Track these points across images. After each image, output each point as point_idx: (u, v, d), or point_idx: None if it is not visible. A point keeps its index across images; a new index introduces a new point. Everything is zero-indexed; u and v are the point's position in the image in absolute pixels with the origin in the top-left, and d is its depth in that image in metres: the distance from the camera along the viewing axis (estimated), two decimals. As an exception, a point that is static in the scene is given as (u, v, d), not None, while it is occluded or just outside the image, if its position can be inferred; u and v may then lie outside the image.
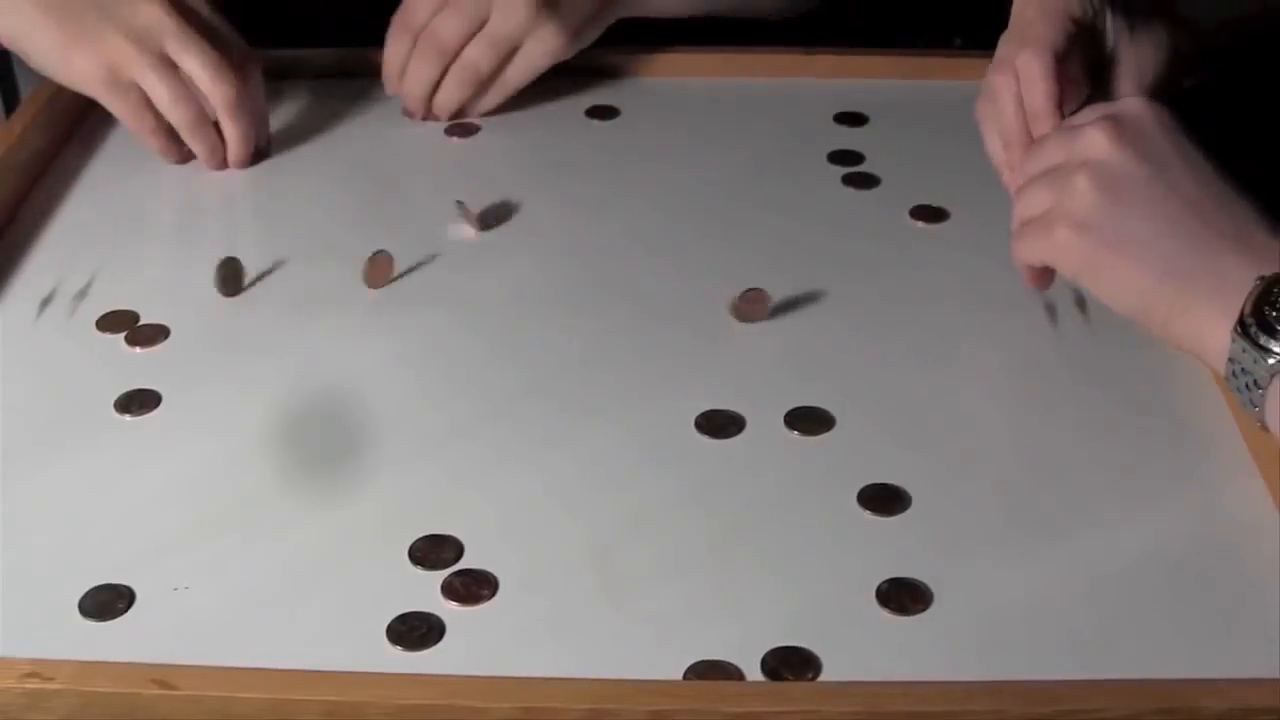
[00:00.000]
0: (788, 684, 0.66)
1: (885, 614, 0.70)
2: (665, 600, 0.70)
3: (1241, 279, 0.70)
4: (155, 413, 0.82)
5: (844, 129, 1.09)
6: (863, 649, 0.68)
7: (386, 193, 1.03)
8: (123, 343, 0.88)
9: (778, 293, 0.90)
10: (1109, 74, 0.88)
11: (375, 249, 0.92)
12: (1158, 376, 0.83)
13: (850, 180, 1.03)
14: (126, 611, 0.70)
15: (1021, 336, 0.87)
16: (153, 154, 1.03)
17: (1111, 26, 0.87)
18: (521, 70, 1.08)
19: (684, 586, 0.71)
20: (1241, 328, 0.69)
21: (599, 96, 1.13)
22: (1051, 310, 0.89)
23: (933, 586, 0.71)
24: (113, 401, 0.83)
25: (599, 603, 0.70)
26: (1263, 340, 0.68)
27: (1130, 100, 0.79)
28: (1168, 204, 0.74)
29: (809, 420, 0.81)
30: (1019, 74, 0.84)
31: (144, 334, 0.88)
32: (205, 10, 1.02)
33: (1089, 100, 0.86)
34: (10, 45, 1.02)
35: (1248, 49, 1.14)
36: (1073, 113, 0.84)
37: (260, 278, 0.93)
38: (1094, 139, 0.76)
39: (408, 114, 1.09)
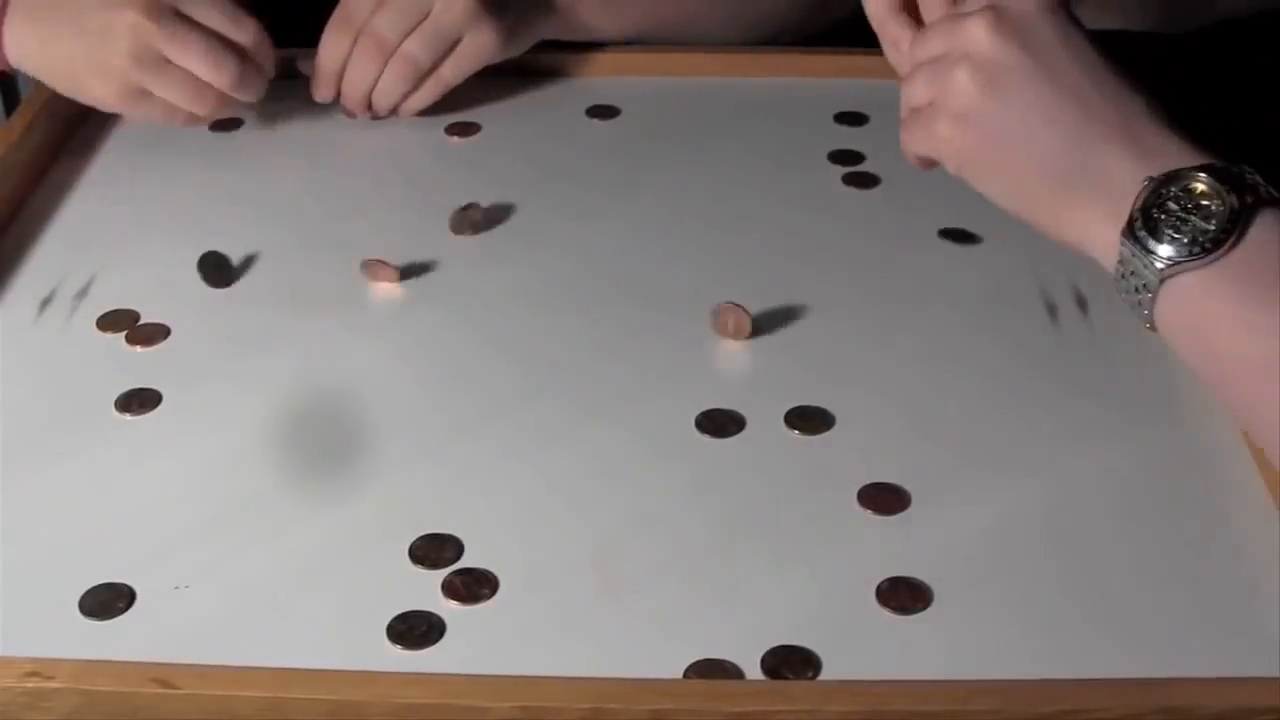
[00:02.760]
0: (788, 683, 0.66)
1: (885, 613, 0.70)
2: (665, 599, 0.70)
3: (1130, 179, 0.68)
4: (155, 412, 0.82)
5: (844, 129, 1.09)
6: (863, 648, 0.68)
7: (387, 192, 1.03)
8: (123, 342, 0.88)
9: (778, 292, 0.90)
10: None
11: (377, 249, 0.93)
12: (1158, 376, 0.83)
13: (850, 180, 1.03)
14: (127, 611, 0.70)
15: (1021, 336, 0.87)
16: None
17: None
18: (457, 66, 1.08)
19: (684, 585, 0.71)
20: (1131, 230, 0.67)
21: (599, 96, 1.13)
22: (1052, 310, 0.89)
23: (933, 586, 0.71)
24: (113, 401, 0.83)
25: (599, 602, 0.70)
26: (1151, 244, 0.66)
27: None
28: (1052, 98, 0.71)
29: (809, 420, 0.81)
30: None
31: (144, 333, 0.88)
32: None
33: None
34: (29, 73, 1.05)
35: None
36: None
37: (259, 276, 0.93)
38: (975, 30, 0.73)
39: (348, 113, 1.09)
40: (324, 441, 0.81)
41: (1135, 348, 0.85)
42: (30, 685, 0.63)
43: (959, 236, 0.96)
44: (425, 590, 0.71)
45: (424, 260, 0.94)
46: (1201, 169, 0.67)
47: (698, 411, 0.81)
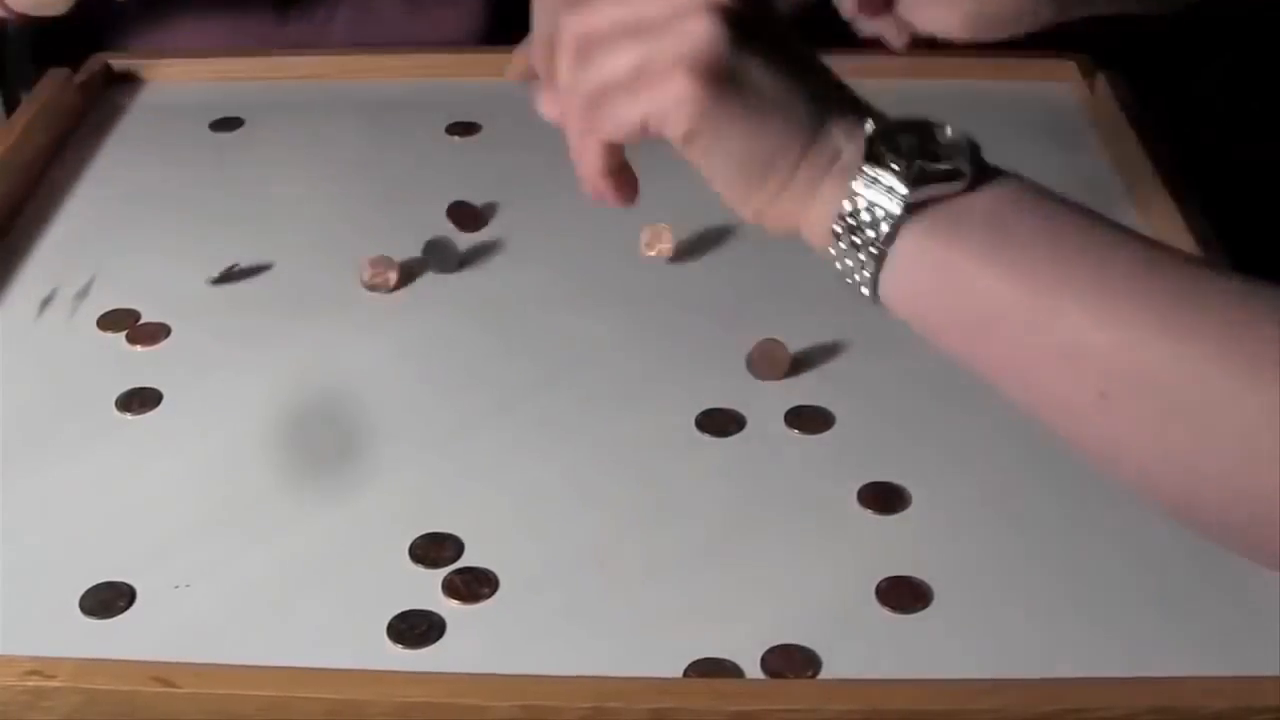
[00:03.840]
0: (788, 682, 0.66)
1: (885, 612, 0.70)
2: (666, 598, 0.70)
3: (857, 132, 0.63)
4: (156, 411, 0.82)
5: (844, 129, 1.09)
6: (863, 648, 0.68)
7: (387, 193, 1.03)
8: (123, 341, 0.88)
9: (778, 292, 0.91)
10: None
11: (377, 248, 0.93)
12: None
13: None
14: (127, 610, 0.70)
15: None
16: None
17: None
18: None
19: (685, 584, 0.71)
20: (873, 160, 0.62)
21: (599, 96, 1.12)
22: (1051, 310, 0.89)
23: (933, 585, 0.71)
24: (114, 400, 0.83)
25: (600, 601, 0.70)
26: (886, 179, 0.61)
27: None
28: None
29: (809, 420, 0.81)
30: None
31: (145, 332, 0.88)
32: None
33: None
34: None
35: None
36: None
37: (259, 275, 0.93)
38: None
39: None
40: (324, 441, 0.81)
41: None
42: (31, 684, 0.63)
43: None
44: (426, 589, 0.71)
45: (424, 260, 0.94)
46: (921, 122, 0.63)
47: (699, 411, 0.81)
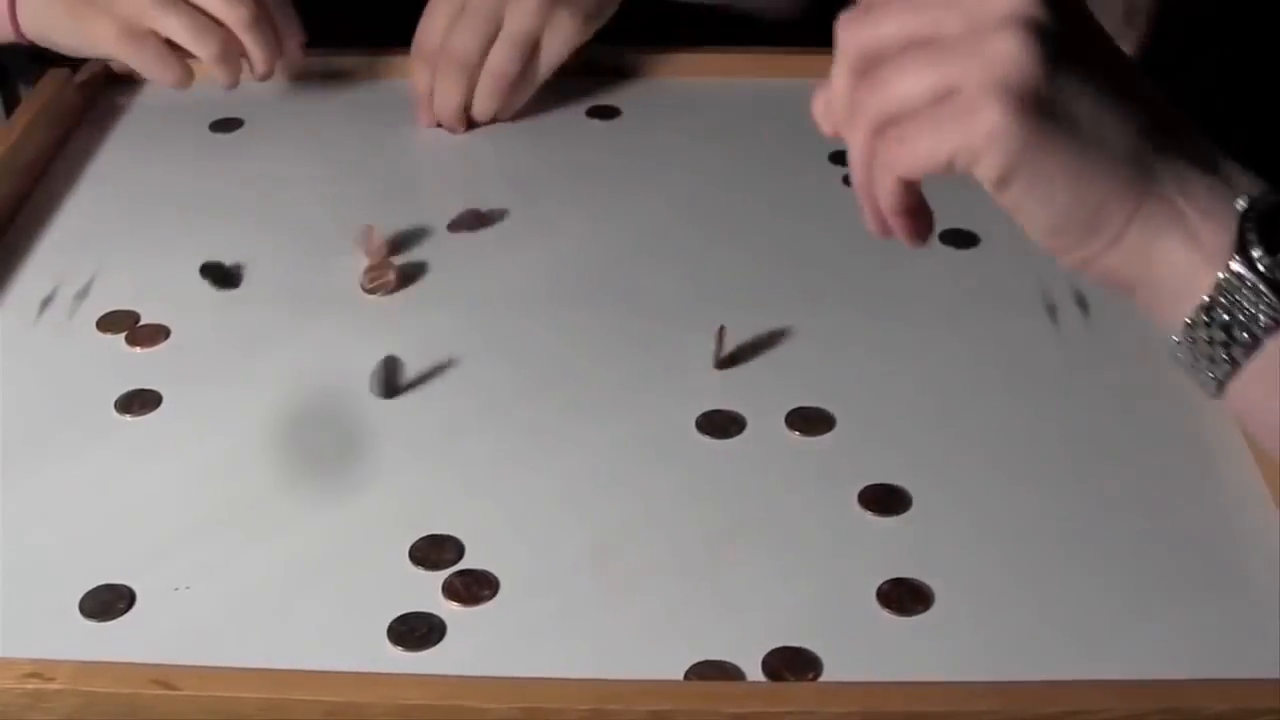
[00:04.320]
0: (788, 684, 0.66)
1: (886, 614, 0.70)
2: (666, 600, 0.70)
3: (1222, 195, 0.55)
4: (155, 413, 0.82)
5: (844, 129, 1.09)
6: (863, 649, 0.68)
7: (386, 193, 1.03)
8: (123, 343, 0.88)
9: (778, 292, 0.90)
10: None
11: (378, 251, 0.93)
12: (1158, 376, 0.83)
13: (851, 180, 1.03)
14: (127, 612, 0.70)
15: (1022, 336, 0.87)
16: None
17: None
18: (546, 64, 1.08)
19: (684, 586, 0.71)
20: (1243, 252, 0.53)
21: (599, 96, 1.13)
22: (1052, 310, 0.89)
23: (933, 586, 0.71)
24: (113, 401, 0.83)
25: (600, 603, 0.70)
26: (1256, 283, 0.53)
27: None
28: (1124, 77, 0.55)
29: (809, 420, 0.81)
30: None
31: (144, 334, 0.88)
32: None
33: None
34: (35, 37, 1.03)
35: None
36: None
37: (259, 276, 0.93)
38: None
39: (449, 129, 1.08)
40: (324, 442, 0.81)
41: (1135, 348, 0.85)
42: (30, 686, 0.63)
43: (958, 237, 0.96)
44: (426, 591, 0.71)
45: (424, 260, 0.94)
46: None
47: (699, 412, 0.81)
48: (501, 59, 1.06)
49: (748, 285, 0.92)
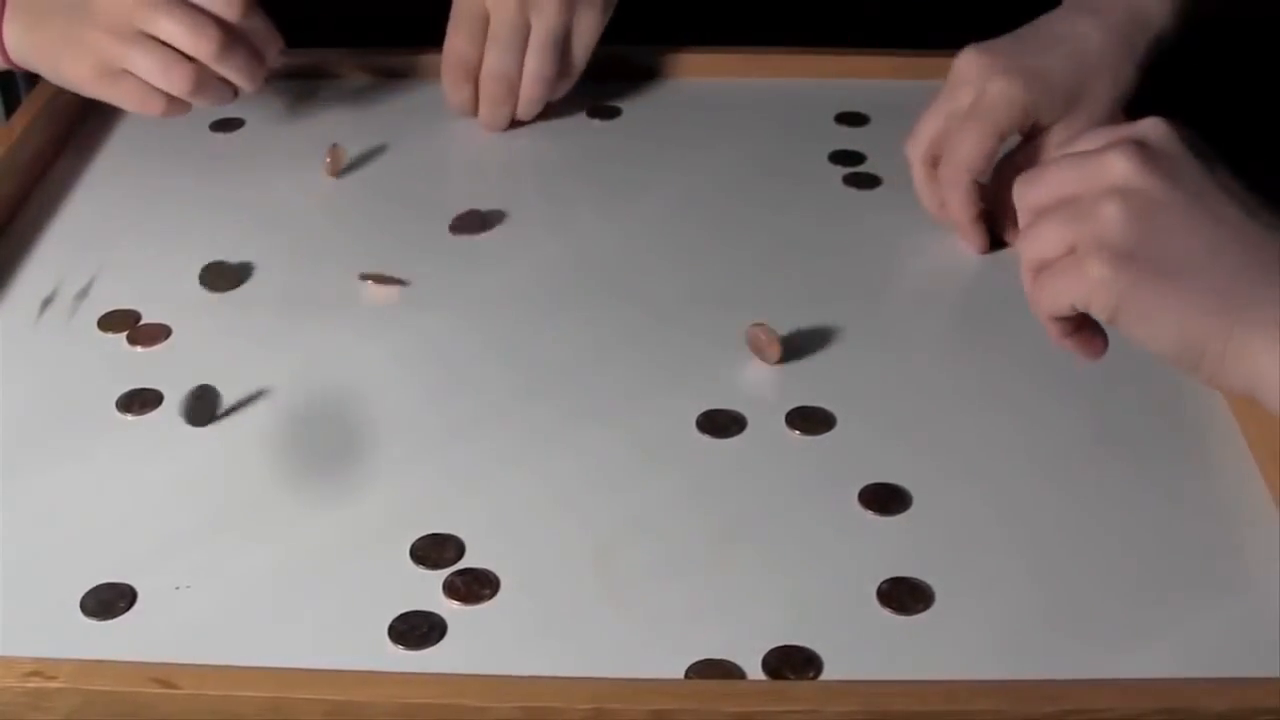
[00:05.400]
0: (789, 683, 0.66)
1: (886, 613, 0.70)
2: (666, 599, 0.70)
3: None
4: (156, 412, 0.82)
5: (844, 129, 1.09)
6: (863, 648, 0.68)
7: (386, 193, 1.03)
8: (124, 342, 0.88)
9: (778, 292, 0.91)
10: (1041, 137, 0.93)
11: (376, 250, 0.93)
12: (1159, 376, 0.83)
13: (851, 180, 1.03)
14: (128, 611, 0.70)
15: (1022, 336, 0.87)
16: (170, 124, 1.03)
17: (1046, 116, 0.93)
18: (580, 56, 1.09)
19: (685, 586, 0.71)
20: None
21: (599, 96, 1.13)
22: (1052, 310, 0.89)
23: (933, 586, 0.71)
24: (114, 401, 0.83)
25: (600, 602, 0.70)
26: None
27: (1149, 121, 0.70)
28: (1210, 229, 0.66)
29: (809, 420, 0.81)
30: (941, 183, 0.91)
31: (145, 333, 0.88)
32: None
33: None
34: (24, 67, 1.03)
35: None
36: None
37: (259, 276, 0.93)
38: (1117, 164, 0.68)
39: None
40: (325, 442, 0.81)
41: (1136, 350, 0.85)
42: (31, 685, 0.63)
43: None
44: (426, 590, 0.71)
45: (424, 261, 0.94)
46: None
47: (699, 412, 0.81)
48: (541, 64, 1.07)
49: (748, 285, 0.92)
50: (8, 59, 1.01)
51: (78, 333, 0.89)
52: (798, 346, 0.87)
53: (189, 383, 0.84)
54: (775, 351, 0.84)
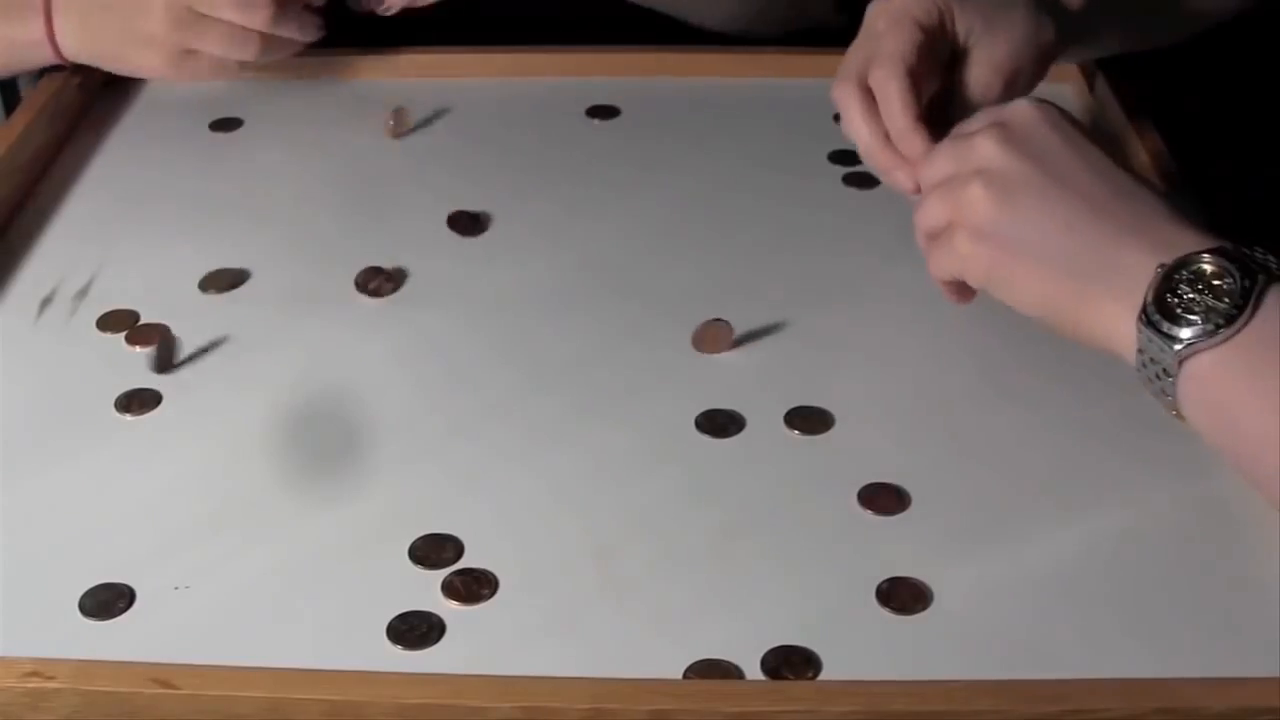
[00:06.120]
0: (788, 683, 0.66)
1: (885, 613, 0.70)
2: (665, 599, 0.70)
3: (1143, 270, 0.69)
4: (155, 412, 0.82)
5: (844, 129, 1.09)
6: (863, 648, 0.68)
7: (385, 193, 1.03)
8: (123, 342, 0.88)
9: (778, 292, 0.91)
10: (960, 69, 0.87)
11: (376, 250, 0.93)
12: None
13: (851, 180, 1.03)
14: (127, 611, 0.70)
15: (1022, 335, 0.87)
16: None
17: (961, 22, 0.87)
18: None
19: (684, 585, 0.71)
20: (1145, 317, 0.68)
21: (599, 96, 1.13)
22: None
23: (933, 586, 0.71)
24: (113, 401, 0.83)
25: (599, 602, 0.70)
26: (1166, 327, 0.68)
27: (1018, 104, 0.78)
28: (1065, 203, 0.73)
29: (809, 420, 0.81)
30: (876, 93, 0.85)
31: (144, 333, 0.88)
32: None
33: (945, 94, 0.87)
34: (78, 61, 1.07)
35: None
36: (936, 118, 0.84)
37: (258, 276, 0.93)
38: (984, 147, 0.75)
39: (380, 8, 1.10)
40: (324, 441, 0.81)
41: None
42: (31, 685, 0.63)
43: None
44: (425, 590, 0.71)
45: (424, 260, 0.94)
46: (1210, 251, 0.68)
47: (698, 411, 0.81)
48: None
49: (747, 285, 0.92)
50: (60, 55, 1.04)
51: (77, 332, 0.89)
52: (797, 345, 0.87)
53: (189, 382, 0.84)
54: (726, 344, 0.86)
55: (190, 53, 1.04)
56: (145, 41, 1.02)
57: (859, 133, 0.86)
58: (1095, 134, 0.77)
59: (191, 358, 0.86)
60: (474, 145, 1.08)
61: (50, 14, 1.03)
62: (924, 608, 0.70)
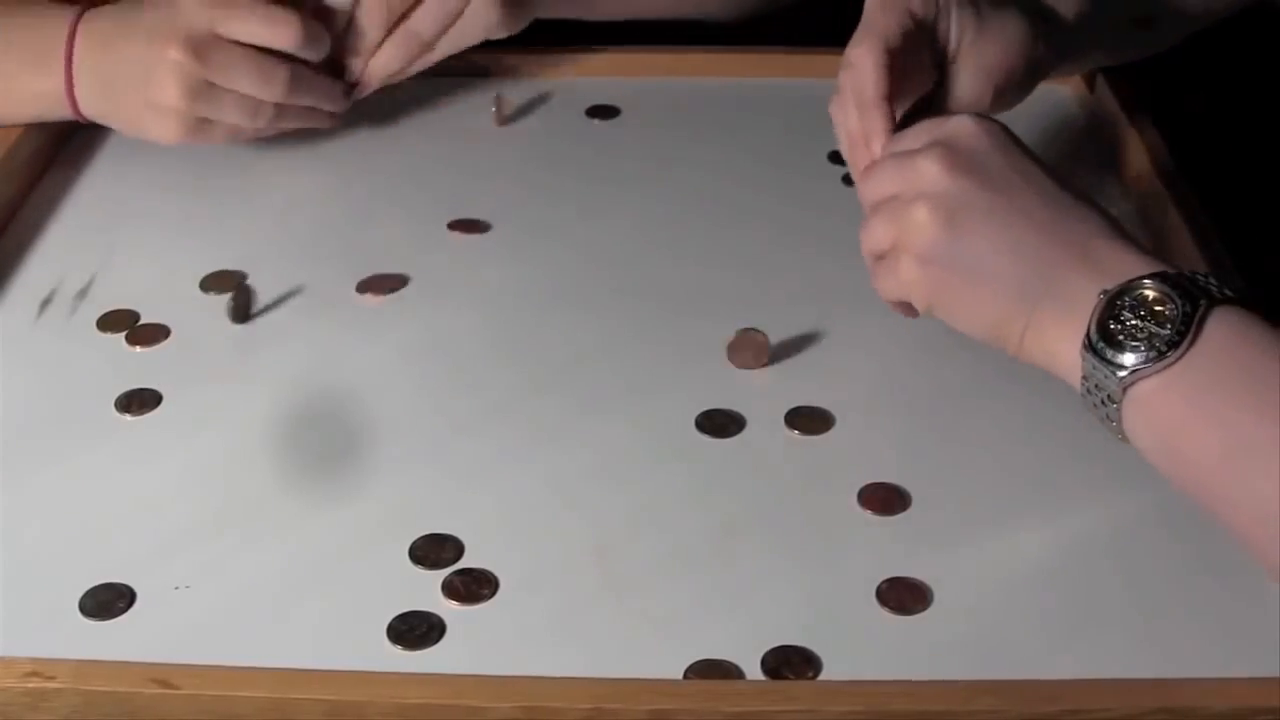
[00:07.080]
0: (788, 683, 0.66)
1: (885, 613, 0.70)
2: (665, 599, 0.70)
3: (1086, 295, 0.69)
4: (156, 412, 0.82)
5: (844, 129, 1.09)
6: (863, 648, 0.68)
7: (386, 193, 1.03)
8: (123, 342, 0.88)
9: (778, 292, 0.91)
10: (950, 73, 0.86)
11: (376, 250, 0.93)
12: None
13: (851, 180, 1.02)
14: (127, 611, 0.70)
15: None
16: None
17: (956, 23, 0.85)
18: (453, 41, 1.07)
19: (684, 585, 0.71)
20: (1089, 344, 0.68)
21: (599, 96, 1.13)
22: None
23: (933, 586, 0.71)
24: (113, 401, 0.83)
25: (599, 602, 0.70)
26: (1110, 354, 0.68)
27: (960, 121, 0.77)
28: (1010, 227, 0.73)
29: (809, 420, 0.81)
30: (852, 68, 0.82)
31: (144, 333, 0.88)
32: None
33: (933, 98, 0.85)
34: (96, 120, 1.04)
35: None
36: (906, 112, 0.83)
37: (259, 276, 0.93)
38: (928, 169, 0.74)
39: (347, 83, 1.07)
40: (324, 441, 0.81)
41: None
42: (31, 685, 0.63)
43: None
44: (425, 590, 0.71)
45: (424, 261, 0.94)
46: (1152, 277, 0.68)
47: (698, 411, 0.81)
48: (424, 20, 1.05)
49: (747, 285, 0.92)
50: (79, 114, 1.02)
51: (77, 332, 0.89)
52: (798, 344, 0.87)
53: (189, 383, 0.84)
54: (762, 359, 0.85)
55: (206, 121, 1.01)
56: (161, 111, 1.00)
57: (834, 116, 0.85)
58: (1034, 152, 0.76)
59: (191, 358, 0.86)
60: (474, 145, 1.08)
61: (71, 74, 1.01)
62: (924, 608, 0.70)
